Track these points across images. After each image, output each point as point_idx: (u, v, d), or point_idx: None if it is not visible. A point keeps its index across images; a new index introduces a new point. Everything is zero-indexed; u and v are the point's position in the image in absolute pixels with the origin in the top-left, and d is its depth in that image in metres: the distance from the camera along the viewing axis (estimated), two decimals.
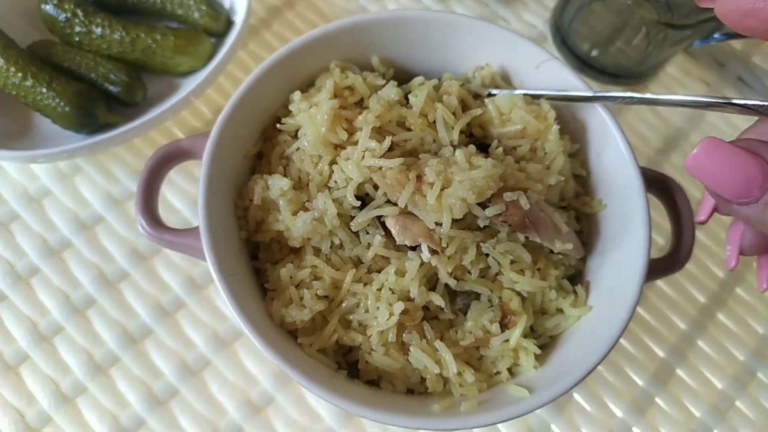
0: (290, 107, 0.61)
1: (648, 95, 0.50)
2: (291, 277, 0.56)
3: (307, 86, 0.63)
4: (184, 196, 0.76)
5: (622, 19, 0.76)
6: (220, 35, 0.79)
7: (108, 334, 0.69)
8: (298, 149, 0.59)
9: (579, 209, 0.62)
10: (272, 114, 0.63)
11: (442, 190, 0.52)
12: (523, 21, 0.91)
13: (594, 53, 0.84)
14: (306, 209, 0.56)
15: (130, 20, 0.76)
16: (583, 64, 0.86)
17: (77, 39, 0.75)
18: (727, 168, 0.36)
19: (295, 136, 0.61)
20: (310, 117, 0.57)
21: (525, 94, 0.60)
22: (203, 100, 0.81)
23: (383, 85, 0.61)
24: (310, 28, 0.87)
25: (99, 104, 0.72)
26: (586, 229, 0.63)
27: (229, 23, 0.79)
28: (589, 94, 0.57)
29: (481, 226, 0.54)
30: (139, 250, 0.73)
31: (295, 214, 0.56)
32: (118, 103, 0.76)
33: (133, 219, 0.75)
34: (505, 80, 0.64)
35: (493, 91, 0.62)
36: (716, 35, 0.79)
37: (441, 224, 0.52)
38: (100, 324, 0.70)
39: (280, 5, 0.88)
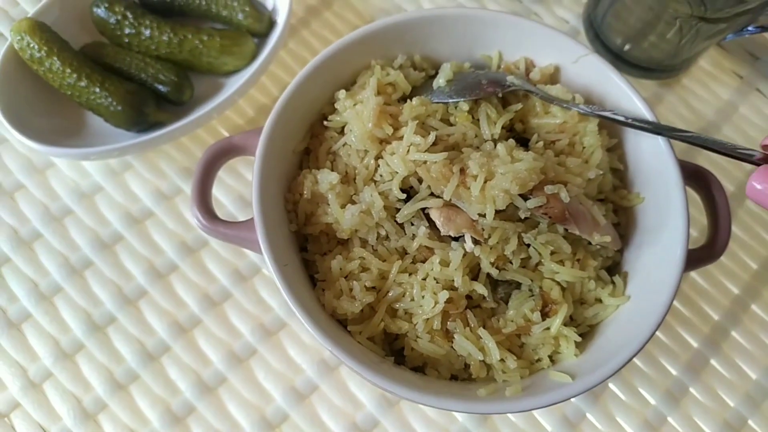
0: (336, 105, 0.63)
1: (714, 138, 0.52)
2: (341, 269, 0.58)
3: (349, 84, 0.66)
4: (230, 192, 0.79)
5: (654, 13, 0.77)
6: (263, 35, 0.81)
7: (159, 324, 0.72)
8: (344, 144, 0.61)
9: (616, 202, 0.64)
10: (318, 111, 0.65)
11: (485, 182, 0.54)
12: (556, 16, 0.92)
13: (627, 47, 0.84)
14: (353, 202, 0.59)
15: (177, 22, 0.79)
16: (615, 57, 0.87)
17: (127, 41, 0.78)
18: None
19: (341, 132, 0.63)
20: (357, 113, 0.59)
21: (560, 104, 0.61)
22: (246, 99, 0.84)
23: (424, 80, 0.63)
24: (347, 27, 0.89)
25: (149, 103, 0.75)
26: (624, 222, 0.64)
27: (271, 23, 0.81)
28: (649, 124, 0.58)
29: (522, 217, 0.56)
30: (187, 242, 0.76)
31: (343, 207, 0.58)
32: (166, 102, 0.78)
33: (181, 213, 0.78)
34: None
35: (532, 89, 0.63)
36: (750, 28, 0.79)
37: (484, 215, 0.54)
38: (151, 314, 0.73)
39: (318, 5, 0.90)
